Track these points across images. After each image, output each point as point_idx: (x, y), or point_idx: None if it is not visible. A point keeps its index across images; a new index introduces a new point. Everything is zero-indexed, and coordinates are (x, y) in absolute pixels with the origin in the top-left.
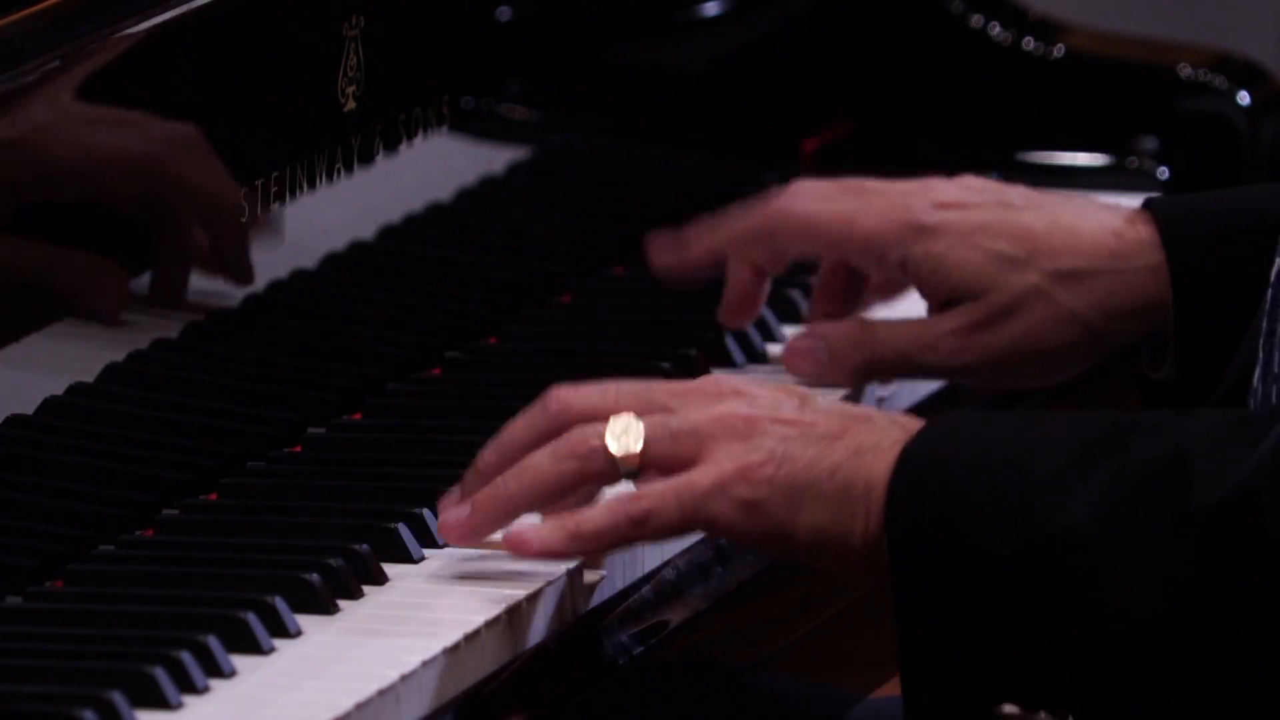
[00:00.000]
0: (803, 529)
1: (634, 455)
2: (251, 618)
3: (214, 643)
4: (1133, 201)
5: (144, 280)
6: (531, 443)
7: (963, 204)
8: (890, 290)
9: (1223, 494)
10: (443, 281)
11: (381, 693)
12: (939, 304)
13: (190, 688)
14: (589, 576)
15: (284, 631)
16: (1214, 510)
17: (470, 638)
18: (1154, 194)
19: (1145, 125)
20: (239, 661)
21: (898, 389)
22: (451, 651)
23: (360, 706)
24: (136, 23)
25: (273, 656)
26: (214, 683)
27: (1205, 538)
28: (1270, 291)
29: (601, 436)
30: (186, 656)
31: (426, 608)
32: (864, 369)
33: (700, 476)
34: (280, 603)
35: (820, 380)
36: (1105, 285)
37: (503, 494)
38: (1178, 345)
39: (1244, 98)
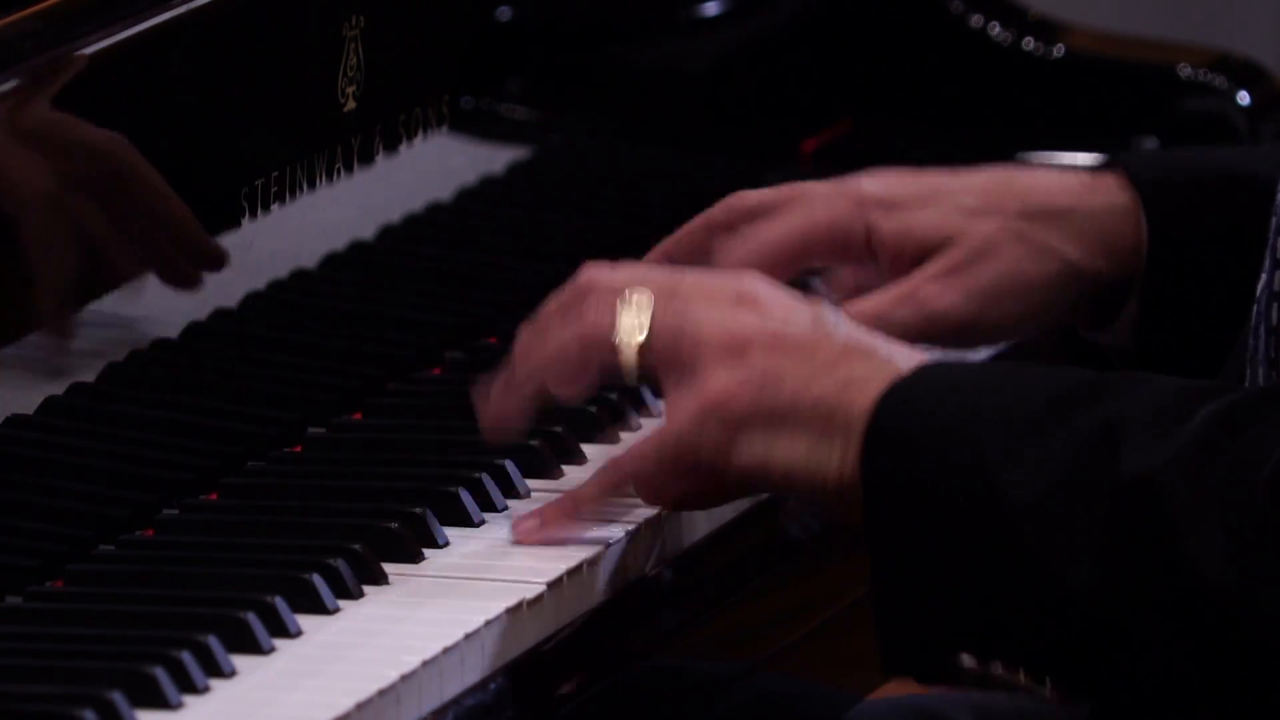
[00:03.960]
0: (780, 456)
1: (636, 343)
2: (251, 618)
3: (214, 643)
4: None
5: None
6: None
7: (909, 175)
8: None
9: (1139, 471)
10: (443, 281)
11: (381, 693)
12: (909, 269)
13: (190, 688)
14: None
15: (284, 631)
16: (1129, 486)
17: (470, 637)
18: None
19: (1145, 125)
20: (239, 661)
21: None
22: (450, 651)
23: (360, 706)
24: (136, 23)
25: (273, 656)
26: (214, 683)
27: (1119, 511)
28: (1255, 306)
29: (613, 311)
30: (186, 656)
31: (425, 608)
32: None
33: (675, 420)
34: (280, 603)
35: None
36: (1077, 222)
37: (518, 376)
38: (1144, 293)
39: (1244, 98)
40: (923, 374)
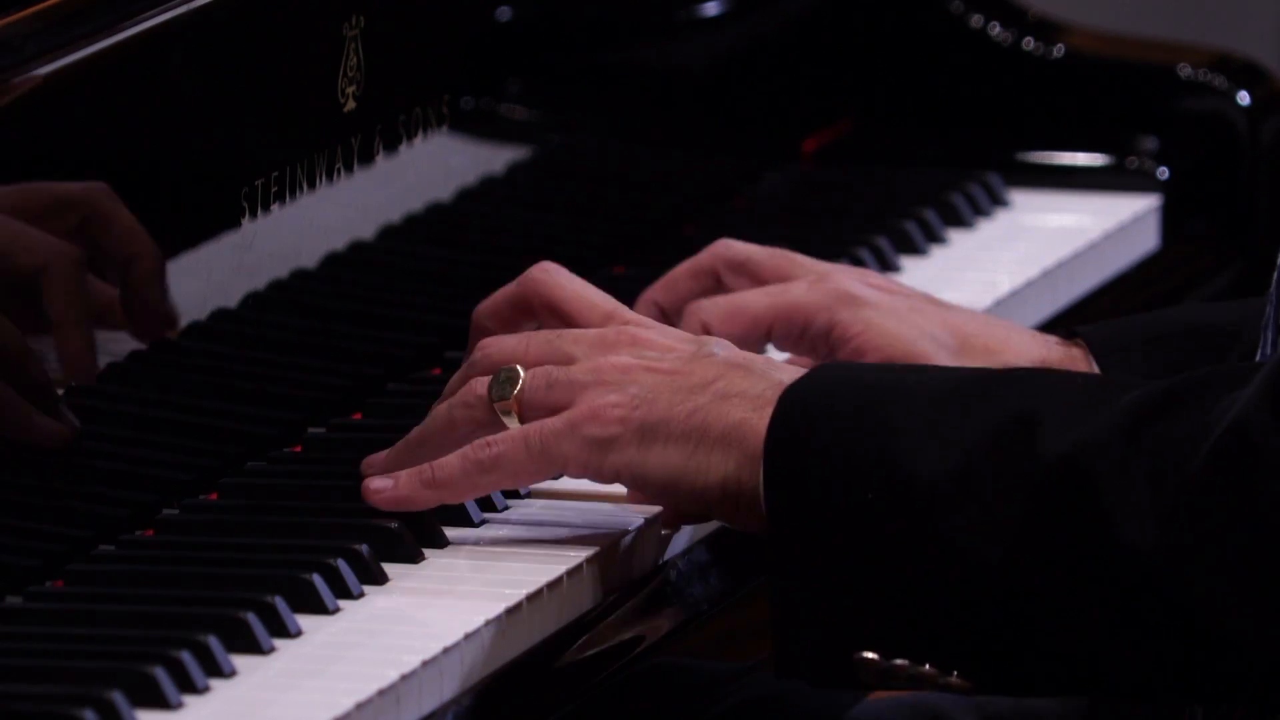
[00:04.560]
0: (655, 467)
1: (509, 403)
2: (251, 618)
3: (214, 643)
4: (1133, 202)
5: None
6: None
7: (892, 289)
8: None
9: (1062, 451)
10: (443, 281)
11: (381, 692)
12: None
13: (190, 688)
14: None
15: (284, 631)
16: (1051, 465)
17: (470, 637)
18: (1155, 195)
19: (1145, 125)
20: (239, 661)
21: None
22: (450, 651)
23: (360, 706)
24: (136, 23)
25: (273, 656)
26: (214, 683)
27: (1040, 491)
28: (1274, 274)
29: (485, 385)
30: (186, 656)
31: (425, 607)
32: None
33: (552, 420)
34: (280, 603)
35: None
36: None
37: (411, 440)
38: None
39: (1244, 98)
40: (821, 374)
